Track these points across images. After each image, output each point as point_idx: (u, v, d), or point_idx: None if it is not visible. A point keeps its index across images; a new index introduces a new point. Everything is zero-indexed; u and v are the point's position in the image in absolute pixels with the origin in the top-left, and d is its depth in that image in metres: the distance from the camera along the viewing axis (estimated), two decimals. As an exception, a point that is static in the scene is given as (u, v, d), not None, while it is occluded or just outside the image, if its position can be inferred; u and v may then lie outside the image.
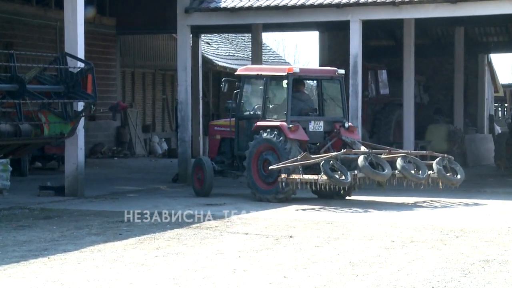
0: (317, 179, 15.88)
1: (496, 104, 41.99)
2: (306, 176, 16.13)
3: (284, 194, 16.81)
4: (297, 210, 15.80)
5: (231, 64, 36.07)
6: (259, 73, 17.92)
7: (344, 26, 21.57)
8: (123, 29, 32.08)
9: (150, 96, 35.28)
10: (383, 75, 26.31)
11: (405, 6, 20.17)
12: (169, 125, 36.31)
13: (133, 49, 34.12)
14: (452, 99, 30.89)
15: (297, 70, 17.45)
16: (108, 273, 9.63)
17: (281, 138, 16.79)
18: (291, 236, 12.36)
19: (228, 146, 18.43)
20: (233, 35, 39.04)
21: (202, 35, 33.34)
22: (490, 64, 36.17)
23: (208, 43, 36.68)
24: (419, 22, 24.68)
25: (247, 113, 18.12)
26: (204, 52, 34.28)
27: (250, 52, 28.80)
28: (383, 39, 34.05)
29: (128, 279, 9.29)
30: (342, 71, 17.92)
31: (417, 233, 12.69)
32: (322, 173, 15.80)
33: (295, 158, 16.35)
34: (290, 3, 20.81)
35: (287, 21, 22.16)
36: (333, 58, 29.99)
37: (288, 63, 46.71)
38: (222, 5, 21.57)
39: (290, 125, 16.77)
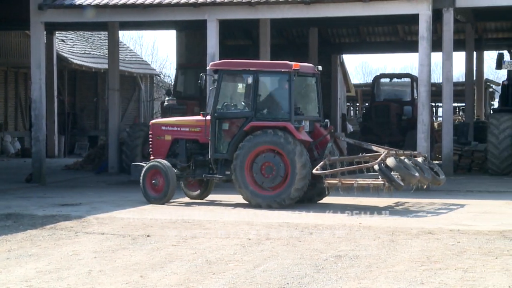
0: (370, 184, 15.09)
1: (348, 104, 43.19)
2: (361, 181, 15.20)
3: (292, 200, 15.78)
4: (154, 208, 15.74)
5: (87, 62, 35.51)
6: (249, 68, 16.31)
7: (201, 25, 21.65)
8: (-28, 25, 31.01)
9: (2, 94, 34.25)
10: (240, 74, 26.52)
11: (260, 7, 20.46)
12: (22, 124, 35.38)
13: (-16, 45, 33.05)
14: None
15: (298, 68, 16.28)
16: (-43, 277, 9.30)
17: (290, 139, 15.70)
18: (148, 236, 12.30)
19: (183, 148, 16.85)
20: (89, 32, 38.44)
21: (57, 32, 32.68)
22: (342, 64, 37.19)
23: (63, 40, 35.97)
24: (274, 22, 25.08)
25: (230, 111, 16.45)
26: (59, 49, 33.62)
27: (107, 50, 28.40)
28: (240, 39, 34.41)
29: (-22, 283, 9.00)
30: (320, 68, 17.22)
31: (273, 230, 12.89)
32: (380, 176, 15.05)
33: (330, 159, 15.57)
34: (147, 2, 20.70)
35: (144, 19, 22.03)
36: (191, 57, 30.03)
37: (145, 61, 46.35)
38: (77, 2, 21.20)
39: (298, 126, 15.87)
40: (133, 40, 62.06)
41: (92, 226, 13.36)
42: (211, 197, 17.46)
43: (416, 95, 25.47)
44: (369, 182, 15.22)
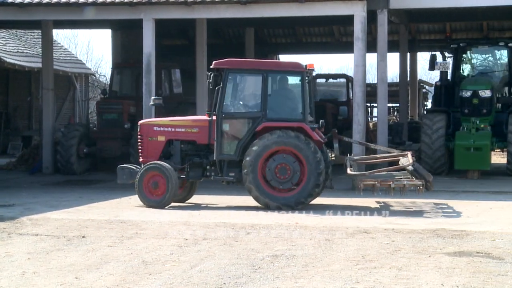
0: (407, 184, 15.31)
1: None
2: (406, 182, 15.35)
3: (310, 200, 15.69)
4: (90, 209, 15.59)
5: (20, 61, 34.93)
6: (260, 67, 16.05)
7: (137, 25, 21.50)
8: None
9: None
10: (176, 74, 26.47)
11: (197, 6, 20.41)
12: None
13: None
14: (244, 99, 31.60)
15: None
16: None
17: (307, 140, 15.49)
18: (83, 236, 12.18)
19: (177, 149, 16.37)
20: (22, 31, 37.84)
21: (-12, 30, 32.12)
22: (279, 64, 37.33)
23: (-5, 39, 35.33)
24: (211, 22, 25.06)
25: (238, 111, 16.12)
26: (-10, 48, 33.00)
27: (41, 49, 28.00)
28: (176, 38, 34.28)
29: None
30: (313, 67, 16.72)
31: (210, 230, 12.88)
32: (415, 177, 15.38)
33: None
34: (81, 0, 20.47)
35: (78, 18, 21.77)
36: (127, 56, 29.79)
37: (80, 60, 45.84)
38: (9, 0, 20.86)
39: (313, 126, 15.73)
40: (67, 39, 61.23)
41: (25, 227, 13.16)
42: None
43: (351, 95, 25.73)
44: (405, 183, 15.41)
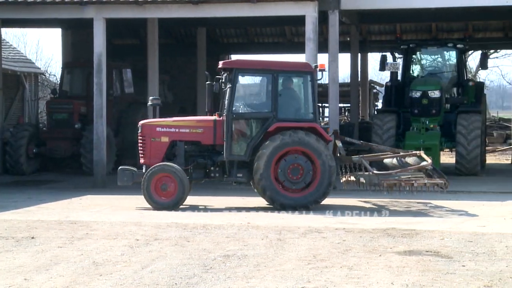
0: (427, 183, 15.73)
1: (237, 104, 43.39)
2: (431, 181, 15.77)
3: (323, 199, 15.73)
4: (40, 209, 15.42)
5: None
6: (269, 68, 15.99)
7: (88, 24, 21.33)
8: None
9: None
10: (127, 74, 26.31)
11: (148, 6, 20.33)
12: None
13: None
14: (196, 98, 31.57)
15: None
16: None
17: (319, 140, 15.56)
18: (32, 237, 12.04)
19: (181, 150, 16.09)
20: (-30, 29, 37.23)
21: None
22: (231, 64, 37.32)
23: None
24: (163, 21, 24.95)
25: (248, 112, 16.02)
26: None
27: (-11, 48, 27.57)
28: (127, 38, 34.07)
29: None
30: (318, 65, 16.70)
31: (161, 231, 12.83)
32: (437, 176, 15.93)
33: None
34: (31, -1, 20.26)
35: (28, 17, 21.54)
36: (77, 56, 29.55)
37: (30, 60, 45.28)
38: (-43, -3, 20.54)
39: (325, 127, 15.76)
40: (16, 38, 60.44)
41: (-26, 228, 12.97)
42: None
43: (303, 95, 25.75)
44: (426, 181, 15.77)
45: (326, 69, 16.41)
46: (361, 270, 9.70)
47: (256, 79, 16.51)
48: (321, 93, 26.59)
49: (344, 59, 32.59)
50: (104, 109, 20.42)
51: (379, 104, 40.27)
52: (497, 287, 8.76)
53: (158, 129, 16.26)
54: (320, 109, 42.19)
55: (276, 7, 20.15)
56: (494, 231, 12.68)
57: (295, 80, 16.32)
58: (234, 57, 37.61)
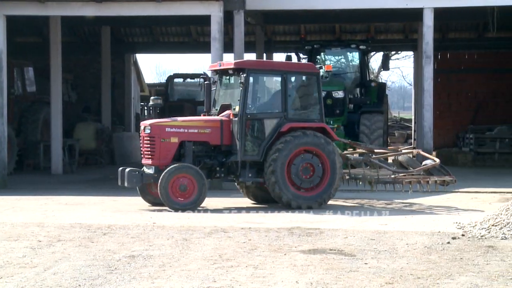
0: (437, 180, 16.68)
1: (142, 103, 43.10)
2: (440, 178, 16.67)
3: (331, 199, 16.06)
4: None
5: None
6: (279, 68, 16.25)
7: (-12, 21, 20.80)
8: None
9: None
10: (29, 72, 25.82)
11: (50, 3, 19.99)
12: None
13: None
14: (100, 98, 31.21)
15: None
16: None
17: (329, 140, 15.82)
18: None
19: (190, 150, 15.83)
20: None
21: None
22: (136, 64, 37.06)
23: None
24: (66, 19, 24.58)
25: (262, 112, 16.02)
26: None
27: None
28: (30, 36, 33.39)
29: None
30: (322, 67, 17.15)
31: (65, 231, 12.63)
32: (444, 173, 16.91)
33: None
34: None
35: None
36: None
37: None
38: None
39: (332, 126, 15.79)
40: None
41: None
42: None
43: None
44: (436, 178, 16.73)
45: (331, 70, 16.97)
46: (266, 269, 9.77)
47: (267, 80, 16.63)
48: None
49: (250, 59, 32.70)
50: (5, 108, 19.98)
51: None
52: (398, 284, 8.95)
53: (167, 129, 15.94)
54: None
55: (181, 7, 20.10)
56: (395, 229, 12.96)
57: (302, 80, 16.53)
58: (139, 56, 37.39)
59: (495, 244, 11.40)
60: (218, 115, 16.31)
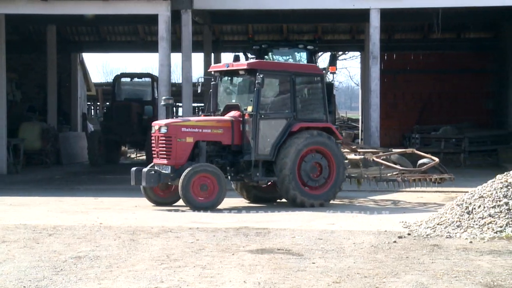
0: (437, 178, 17.19)
1: (89, 103, 42.73)
2: (440, 176, 17.17)
3: (334, 198, 16.45)
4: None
5: None
6: (287, 69, 16.45)
7: None
8: None
9: None
10: (-27, 71, 25.39)
11: (-5, 1, 19.70)
12: None
13: None
14: (46, 97, 30.85)
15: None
16: None
17: (335, 140, 16.22)
18: None
19: (204, 150, 15.87)
20: None
21: None
22: (82, 63, 36.74)
23: None
24: (10, 17, 24.24)
25: (274, 112, 16.20)
26: None
27: None
28: (-28, 34, 32.86)
29: None
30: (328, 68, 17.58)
31: (10, 232, 12.45)
32: (442, 172, 17.32)
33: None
34: None
35: None
36: None
37: None
38: None
39: (337, 127, 15.84)
40: None
41: None
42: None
43: (156, 94, 25.74)
44: (437, 176, 17.26)
45: (336, 71, 17.25)
46: (214, 269, 9.75)
47: (276, 81, 16.69)
48: (175, 93, 26.52)
49: (198, 58, 32.74)
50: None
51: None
52: (345, 283, 9.01)
53: (183, 129, 15.95)
54: (174, 108, 42.19)
55: (128, 5, 20.00)
56: (343, 229, 13.05)
57: (307, 81, 16.80)
58: (85, 55, 37.10)
59: (440, 243, 11.55)
60: (222, 116, 16.44)
